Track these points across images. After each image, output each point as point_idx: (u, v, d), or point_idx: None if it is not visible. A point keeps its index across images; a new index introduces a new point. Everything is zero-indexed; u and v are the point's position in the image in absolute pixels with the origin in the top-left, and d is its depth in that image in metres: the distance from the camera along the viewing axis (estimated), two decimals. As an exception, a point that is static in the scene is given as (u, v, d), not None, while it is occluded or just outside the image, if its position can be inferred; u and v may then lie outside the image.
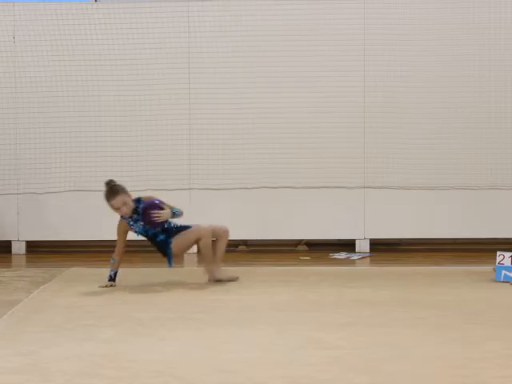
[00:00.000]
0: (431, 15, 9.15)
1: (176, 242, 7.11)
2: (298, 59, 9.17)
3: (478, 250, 9.13)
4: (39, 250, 9.46)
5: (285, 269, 8.09)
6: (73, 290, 6.93)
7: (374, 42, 9.15)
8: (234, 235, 9.41)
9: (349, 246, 9.34)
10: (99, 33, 9.19)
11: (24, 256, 9.25)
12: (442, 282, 7.23)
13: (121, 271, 7.94)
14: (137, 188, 9.22)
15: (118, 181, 9.21)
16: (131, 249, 9.31)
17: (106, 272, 7.53)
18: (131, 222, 7.13)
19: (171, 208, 7.07)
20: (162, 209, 6.99)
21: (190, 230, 7.14)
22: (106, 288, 6.96)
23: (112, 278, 7.09)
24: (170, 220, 7.10)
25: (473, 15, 9.13)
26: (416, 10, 9.15)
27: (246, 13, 9.19)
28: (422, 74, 9.17)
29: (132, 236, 9.30)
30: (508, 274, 7.07)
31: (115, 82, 9.20)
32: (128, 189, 9.19)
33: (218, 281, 7.13)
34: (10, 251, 9.34)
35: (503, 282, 7.06)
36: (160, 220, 6.96)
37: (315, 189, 9.27)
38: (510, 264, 7.08)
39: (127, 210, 7.07)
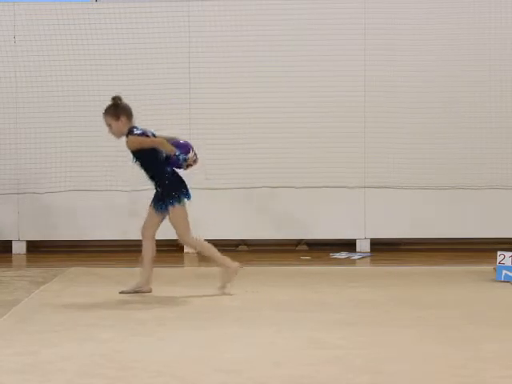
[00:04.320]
0: (431, 15, 9.14)
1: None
2: (298, 59, 9.17)
3: (478, 249, 9.13)
4: (40, 250, 9.46)
5: (285, 269, 8.09)
6: (73, 289, 6.93)
7: (375, 42, 9.15)
8: (234, 235, 9.46)
9: (349, 245, 9.34)
10: (99, 33, 9.19)
11: (24, 256, 9.25)
12: (442, 282, 7.24)
13: (121, 271, 7.96)
14: (137, 188, 9.24)
15: (119, 180, 9.30)
16: (131, 249, 9.33)
17: (106, 272, 7.54)
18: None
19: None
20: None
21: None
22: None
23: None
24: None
25: (473, 15, 9.12)
26: (416, 9, 9.15)
27: (246, 13, 9.19)
28: (421, 73, 9.16)
29: (132, 236, 9.32)
30: (509, 273, 7.08)
31: (115, 81, 9.18)
32: (128, 188, 9.27)
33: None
34: (10, 251, 9.34)
35: (504, 281, 7.06)
36: None
37: (315, 189, 9.27)
38: (510, 264, 7.08)
39: (112, 132, 6.76)
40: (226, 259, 6.67)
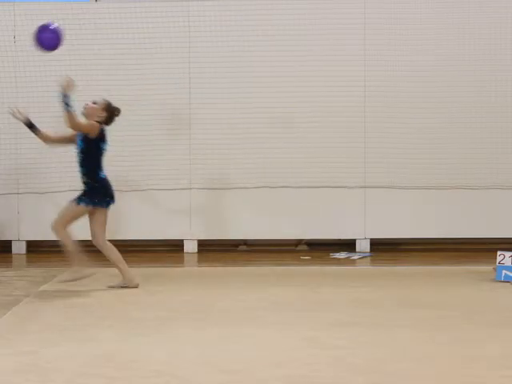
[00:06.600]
0: (431, 15, 9.14)
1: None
2: (298, 59, 9.16)
3: (478, 249, 9.13)
4: (39, 250, 9.46)
5: (285, 269, 8.09)
6: (73, 290, 6.93)
7: (375, 42, 9.14)
8: (235, 235, 9.46)
9: (349, 245, 9.34)
10: (99, 33, 9.19)
11: (24, 256, 9.25)
12: (442, 281, 7.24)
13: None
14: (138, 188, 9.25)
15: (118, 180, 9.30)
16: (131, 248, 9.33)
17: (106, 272, 7.54)
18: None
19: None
20: None
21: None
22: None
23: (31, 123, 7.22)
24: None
25: (473, 15, 9.12)
26: (416, 10, 9.14)
27: (246, 12, 9.19)
28: (421, 73, 9.16)
29: (132, 236, 9.32)
30: (509, 273, 7.08)
31: (115, 81, 9.18)
32: (129, 188, 9.27)
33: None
34: (10, 251, 9.34)
35: (503, 281, 7.07)
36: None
37: (315, 189, 9.27)
38: (510, 264, 7.08)
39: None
40: (128, 272, 6.99)
